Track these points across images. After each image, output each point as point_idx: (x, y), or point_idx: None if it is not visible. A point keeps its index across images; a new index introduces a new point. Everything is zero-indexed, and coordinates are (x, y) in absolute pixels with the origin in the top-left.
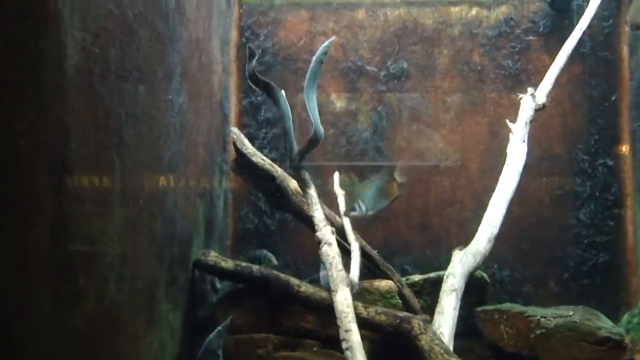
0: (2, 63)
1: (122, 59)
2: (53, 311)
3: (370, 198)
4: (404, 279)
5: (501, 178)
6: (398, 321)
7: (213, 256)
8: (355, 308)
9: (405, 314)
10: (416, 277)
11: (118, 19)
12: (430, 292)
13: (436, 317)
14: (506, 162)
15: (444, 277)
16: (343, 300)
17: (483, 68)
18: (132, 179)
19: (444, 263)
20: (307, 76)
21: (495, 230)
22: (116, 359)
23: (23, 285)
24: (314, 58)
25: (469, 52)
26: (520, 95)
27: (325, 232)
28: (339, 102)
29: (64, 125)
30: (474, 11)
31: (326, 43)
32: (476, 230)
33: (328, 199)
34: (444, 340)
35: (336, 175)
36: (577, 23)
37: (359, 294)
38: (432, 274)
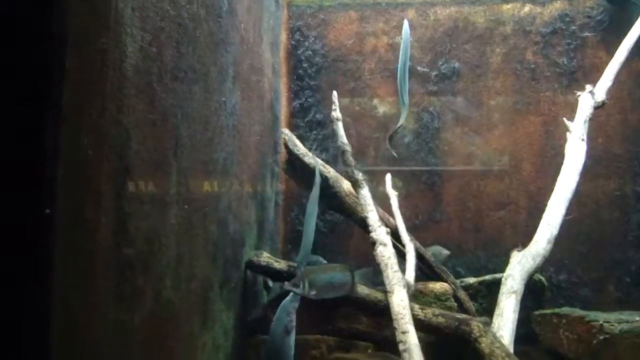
0: (67, 60)
1: (177, 59)
2: (115, 311)
3: (322, 285)
4: (458, 281)
5: (560, 177)
6: (457, 323)
7: (265, 257)
8: (412, 309)
9: (464, 316)
10: (471, 280)
11: (174, 19)
12: (485, 295)
13: (495, 319)
14: (565, 162)
15: (503, 278)
16: (399, 301)
17: (537, 66)
18: (188, 180)
19: (498, 265)
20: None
21: (555, 232)
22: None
23: (89, 286)
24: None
25: (522, 50)
26: (578, 93)
27: (380, 233)
28: (385, 107)
29: (124, 126)
30: (527, 8)
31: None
32: (530, 232)
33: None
34: (504, 343)
35: (388, 176)
36: (636, 17)
37: (413, 296)
38: (487, 277)
